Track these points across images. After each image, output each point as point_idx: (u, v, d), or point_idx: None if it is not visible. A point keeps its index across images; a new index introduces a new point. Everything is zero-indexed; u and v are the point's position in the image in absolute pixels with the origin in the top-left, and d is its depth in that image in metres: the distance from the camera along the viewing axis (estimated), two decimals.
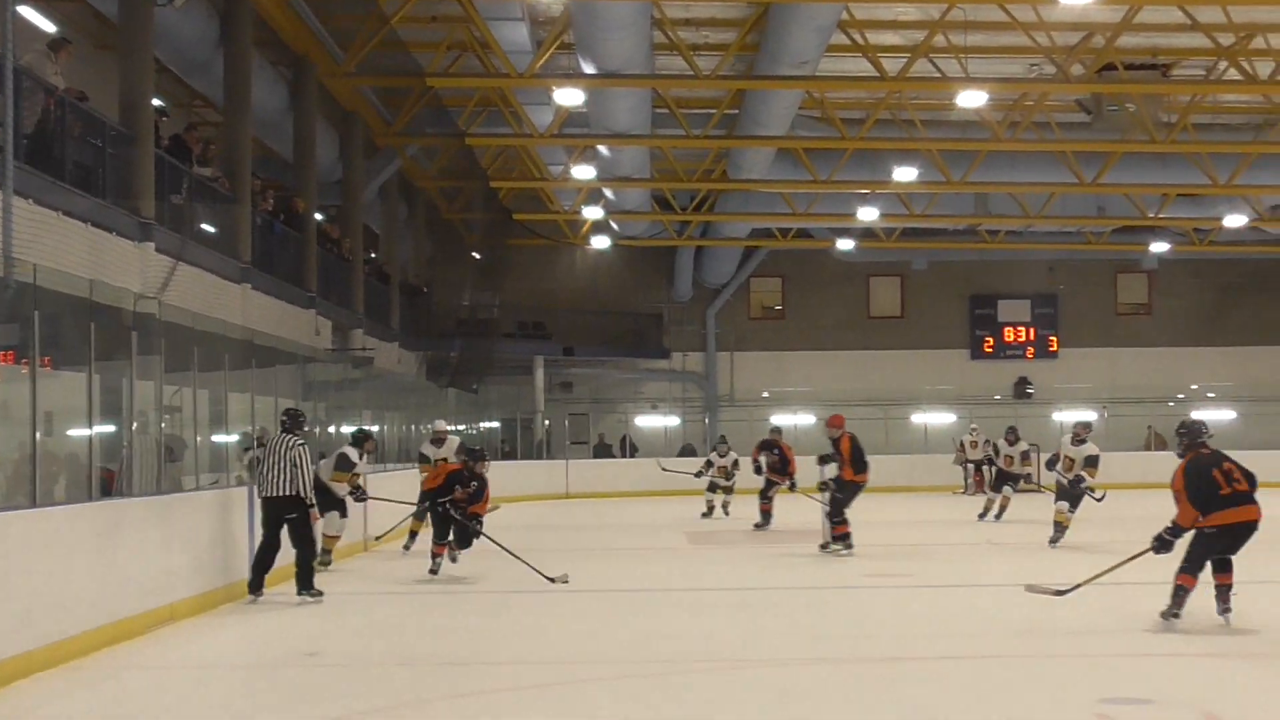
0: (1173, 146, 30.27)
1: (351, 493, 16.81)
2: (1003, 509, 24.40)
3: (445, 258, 41.12)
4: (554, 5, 23.90)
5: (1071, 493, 18.81)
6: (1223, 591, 11.26)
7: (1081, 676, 9.85)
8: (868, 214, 35.98)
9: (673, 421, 43.32)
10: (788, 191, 34.61)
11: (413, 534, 19.48)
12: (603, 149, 30.44)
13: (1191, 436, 11.55)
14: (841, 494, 18.17)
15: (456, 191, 37.62)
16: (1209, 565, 11.29)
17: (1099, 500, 19.60)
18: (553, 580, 14.58)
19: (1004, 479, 24.58)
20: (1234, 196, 35.25)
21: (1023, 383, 44.47)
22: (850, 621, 12.85)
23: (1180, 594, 11.16)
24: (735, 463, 26.33)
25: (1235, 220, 37.10)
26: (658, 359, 43.78)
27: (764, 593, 15.09)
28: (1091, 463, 18.54)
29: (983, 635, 11.82)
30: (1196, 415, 41.23)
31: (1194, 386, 44.34)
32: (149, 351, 13.27)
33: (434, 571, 15.76)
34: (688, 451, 40.01)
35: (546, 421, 40.70)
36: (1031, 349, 45.19)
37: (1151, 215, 37.43)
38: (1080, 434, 18.77)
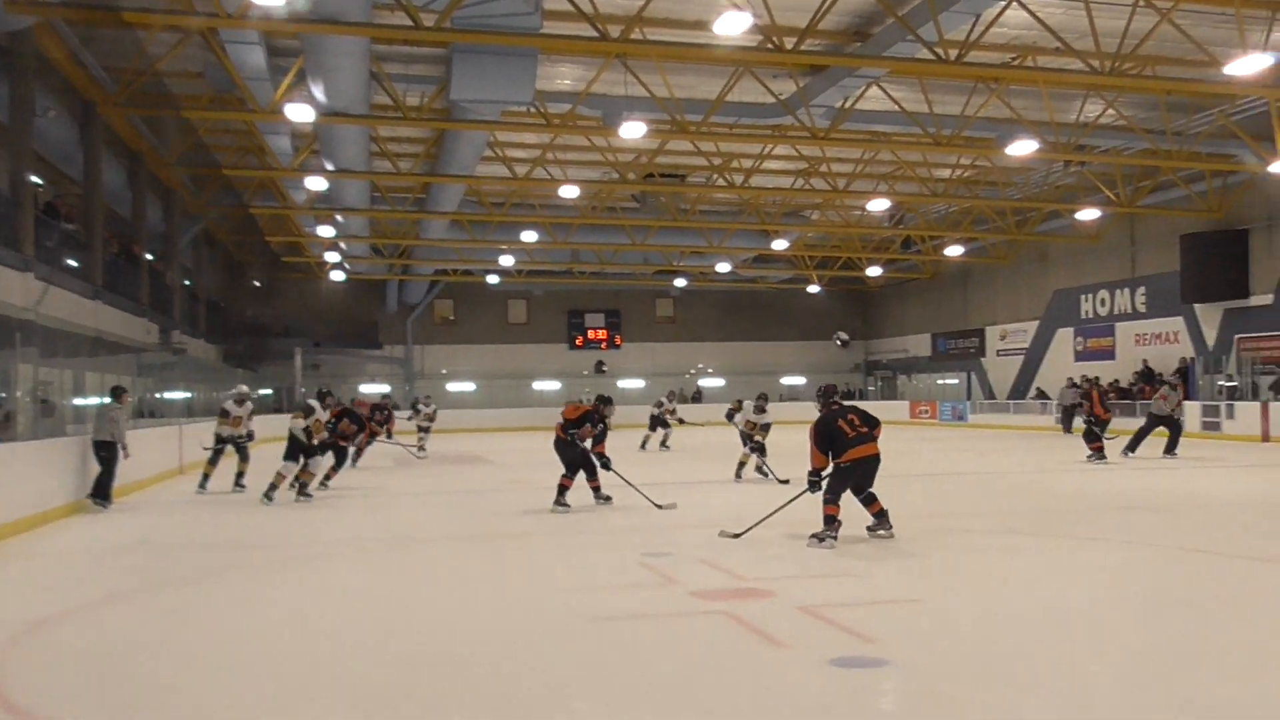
0: (687, 223, 31.33)
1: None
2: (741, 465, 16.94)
3: (236, 284, 39.83)
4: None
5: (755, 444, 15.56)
6: (880, 518, 9.49)
7: (628, 540, 9.91)
8: (507, 260, 36.13)
9: (385, 388, 42.55)
10: (456, 245, 34.44)
11: (206, 475, 15.32)
12: (339, 218, 29.74)
13: (825, 397, 9.79)
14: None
15: (243, 241, 36.34)
16: (863, 504, 9.47)
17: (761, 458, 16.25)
18: (660, 506, 12.05)
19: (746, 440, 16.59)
20: (722, 253, 36.80)
21: (600, 364, 45.26)
22: (502, 510, 12.71)
23: (830, 522, 9.13)
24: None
25: (723, 267, 38.77)
26: (375, 349, 42.86)
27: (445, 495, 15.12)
28: (765, 429, 15.57)
29: (576, 521, 11.82)
30: (703, 384, 43.27)
31: (700, 365, 46.21)
32: (29, 344, 12.62)
33: (562, 504, 12.09)
34: (396, 408, 39.50)
35: (303, 389, 39.52)
36: (605, 343, 45.86)
37: (675, 263, 38.70)
38: (761, 405, 15.80)
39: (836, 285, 44.66)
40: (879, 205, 28.93)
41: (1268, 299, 26.91)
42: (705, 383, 44.88)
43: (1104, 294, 32.87)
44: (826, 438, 9.33)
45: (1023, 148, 20.90)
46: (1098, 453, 18.30)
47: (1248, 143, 22.48)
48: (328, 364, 41.80)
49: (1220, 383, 27.49)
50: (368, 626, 6.55)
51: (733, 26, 14.45)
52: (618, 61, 18.17)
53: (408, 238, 33.18)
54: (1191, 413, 26.90)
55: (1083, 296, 33.78)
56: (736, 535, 9.67)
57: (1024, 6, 16.33)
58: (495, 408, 41.26)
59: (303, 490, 13.78)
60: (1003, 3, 16.02)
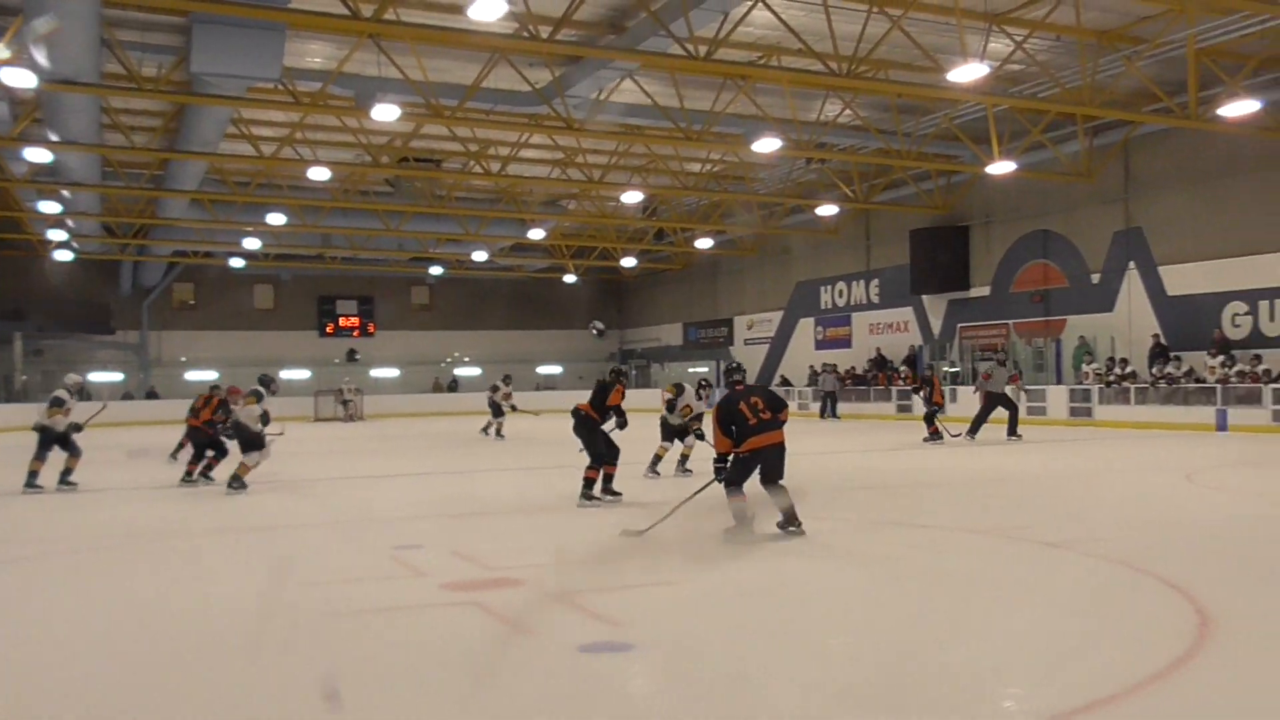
0: (443, 210, 30.86)
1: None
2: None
3: None
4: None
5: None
6: (788, 516, 8.62)
7: (380, 535, 9.81)
8: (252, 243, 34.53)
9: (118, 376, 39.91)
10: (198, 226, 32.65)
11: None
12: (65, 193, 27.64)
13: (728, 376, 9.06)
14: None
15: None
16: (769, 496, 8.59)
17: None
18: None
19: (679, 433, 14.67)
20: (479, 241, 36.51)
21: (352, 352, 44.04)
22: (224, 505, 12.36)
23: (737, 511, 8.48)
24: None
25: (480, 255, 38.46)
26: (107, 334, 40.04)
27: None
28: (699, 418, 13.84)
29: (317, 512, 11.56)
30: (459, 373, 42.88)
31: (457, 354, 45.74)
32: None
33: (587, 496, 11.03)
34: (128, 396, 37.27)
35: (24, 376, 36.65)
36: (358, 331, 44.67)
37: (432, 250, 38.13)
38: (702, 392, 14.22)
39: (592, 275, 45.09)
40: (633, 197, 29.40)
41: (985, 290, 29.04)
42: (462, 371, 44.43)
43: (841, 286, 34.63)
44: (728, 419, 8.54)
45: (767, 144, 21.68)
46: (935, 435, 19.72)
47: (968, 145, 24.14)
48: (52, 350, 38.77)
49: (945, 368, 29.46)
50: (96, 627, 6.11)
51: (488, 12, 14.30)
52: (371, 41, 17.68)
53: (143, 216, 31.25)
54: (918, 397, 28.69)
55: (823, 288, 35.46)
56: (641, 532, 8.83)
57: (768, 7, 16.93)
58: None
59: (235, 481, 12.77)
60: (749, 2, 16.54)
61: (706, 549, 8.39)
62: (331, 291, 44.17)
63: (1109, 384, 23.93)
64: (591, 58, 18.39)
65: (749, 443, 8.45)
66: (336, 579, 7.43)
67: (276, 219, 30.70)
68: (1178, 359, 23.16)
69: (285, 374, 41.86)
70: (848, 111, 23.06)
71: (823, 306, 35.51)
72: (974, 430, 19.92)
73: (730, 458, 8.55)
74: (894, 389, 30.09)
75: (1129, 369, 23.92)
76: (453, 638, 5.79)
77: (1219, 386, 21.54)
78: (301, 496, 12.71)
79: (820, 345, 35.39)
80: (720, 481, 8.58)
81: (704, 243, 36.65)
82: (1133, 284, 24.94)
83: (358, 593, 6.95)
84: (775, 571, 7.47)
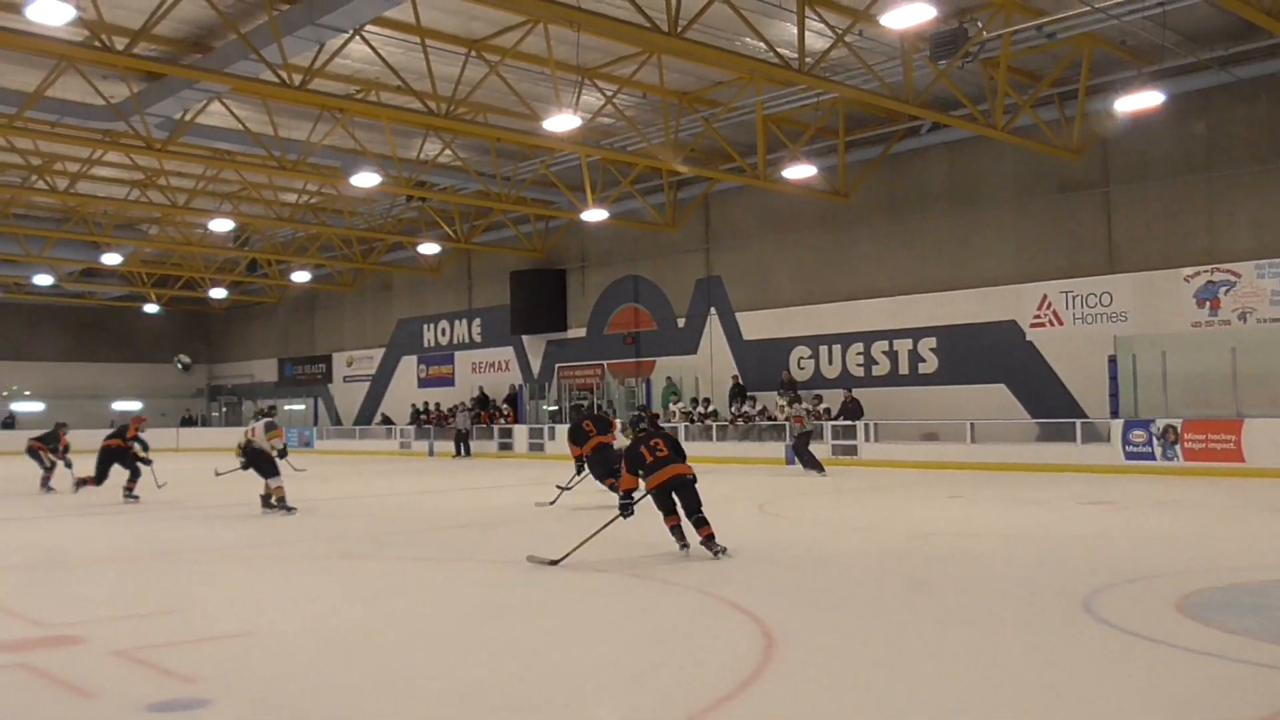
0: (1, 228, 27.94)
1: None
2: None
3: None
4: None
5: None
6: (708, 541, 9.32)
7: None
8: None
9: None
10: None
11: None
12: None
13: (634, 424, 10.39)
14: None
15: None
16: (693, 526, 9.36)
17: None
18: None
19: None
20: (43, 264, 33.31)
21: None
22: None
23: (674, 531, 9.46)
24: None
25: (44, 279, 35.03)
26: None
27: None
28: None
29: None
30: (17, 408, 38.69)
31: (15, 387, 41.30)
32: None
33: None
34: None
35: None
36: None
37: None
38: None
39: (177, 305, 42.29)
40: (222, 225, 28.01)
41: (581, 332, 30.18)
42: (20, 407, 40.00)
43: (444, 324, 34.73)
44: (633, 461, 9.56)
45: (365, 179, 21.42)
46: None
47: (564, 191, 25.07)
48: None
49: (545, 407, 30.25)
50: None
51: (52, 16, 13.11)
52: None
53: None
54: (520, 436, 29.28)
55: (425, 326, 35.39)
56: (554, 561, 9.04)
57: (366, 42, 16.77)
58: None
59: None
60: (345, 34, 16.30)
61: (297, 592, 8.08)
62: None
63: (693, 421, 25.55)
64: (175, 76, 17.35)
65: (651, 478, 9.48)
66: None
67: None
68: (753, 398, 25.15)
69: None
70: (448, 151, 23.26)
71: (425, 344, 35.42)
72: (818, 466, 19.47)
73: (640, 492, 9.61)
74: (495, 428, 30.48)
75: (711, 408, 25.68)
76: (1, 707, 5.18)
77: (786, 424, 23.55)
78: None
79: (424, 383, 35.24)
80: (626, 516, 9.54)
81: (300, 276, 35.54)
82: (714, 328, 26.87)
83: None
84: (362, 617, 7.31)
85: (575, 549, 9.21)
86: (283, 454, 14.16)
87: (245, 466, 14.02)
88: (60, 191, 24.79)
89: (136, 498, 16.24)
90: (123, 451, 16.75)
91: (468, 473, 23.37)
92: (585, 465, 14.35)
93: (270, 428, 14.01)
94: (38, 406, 39.50)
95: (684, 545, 9.47)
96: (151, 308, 40.77)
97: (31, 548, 11.35)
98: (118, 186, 27.22)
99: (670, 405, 26.68)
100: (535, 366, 31.51)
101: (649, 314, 28.47)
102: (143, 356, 43.93)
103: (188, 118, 19.77)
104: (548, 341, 31.03)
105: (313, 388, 40.17)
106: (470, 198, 25.58)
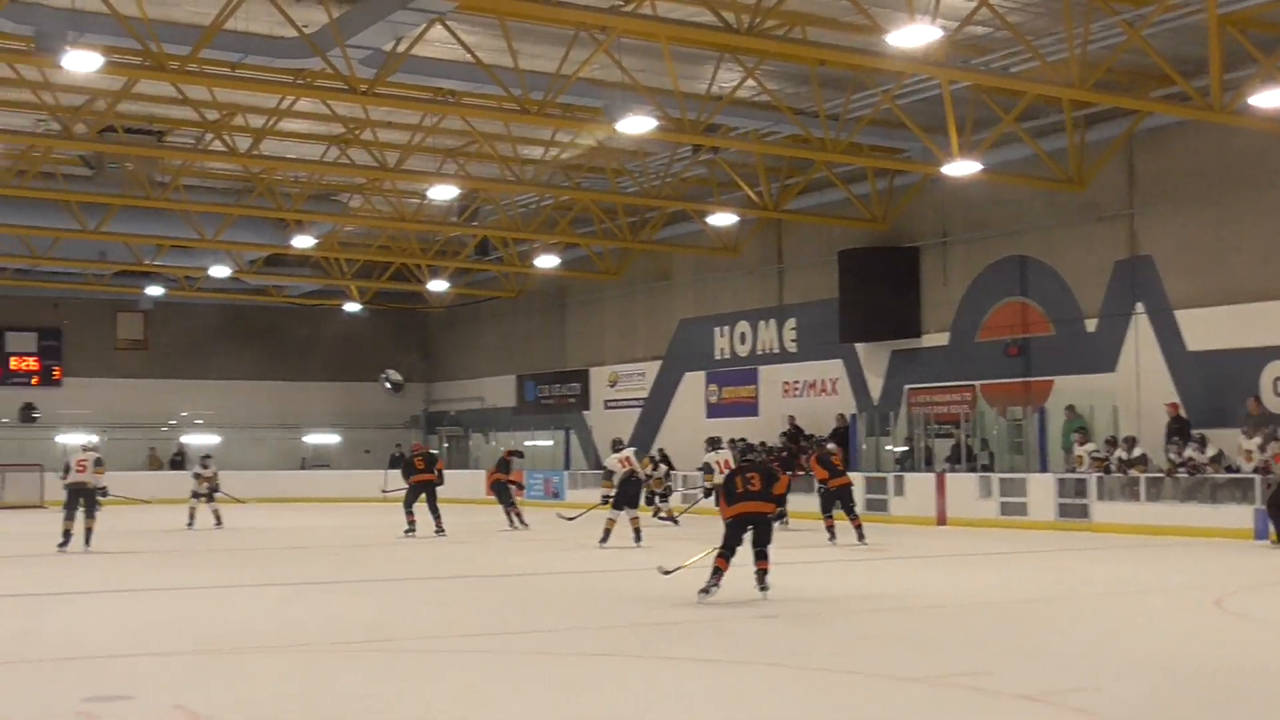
0: (166, 203, 30.20)
1: None
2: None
3: None
4: None
5: None
6: (760, 575, 13.68)
7: (72, 679, 9.51)
8: None
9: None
10: None
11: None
12: None
13: (742, 455, 17.27)
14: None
15: None
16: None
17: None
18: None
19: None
20: (219, 250, 35.89)
21: (29, 407, 42.78)
22: None
23: (715, 573, 13.31)
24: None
25: (219, 271, 37.85)
26: None
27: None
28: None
29: None
30: (186, 440, 42.06)
31: (184, 413, 44.79)
32: None
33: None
34: None
35: None
36: (37, 377, 43.58)
37: (148, 262, 37.35)
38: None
39: (385, 303, 44.71)
40: (445, 192, 29.32)
41: (942, 338, 29.72)
42: (193, 439, 43.36)
43: (744, 326, 34.97)
44: (729, 492, 13.79)
45: (637, 124, 21.88)
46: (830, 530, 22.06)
47: (917, 134, 24.77)
48: None
49: (889, 448, 29.96)
50: None
51: None
52: None
53: None
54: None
55: (717, 330, 35.80)
56: (668, 571, 14.32)
57: None
58: None
59: None
60: None
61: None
62: None
63: (1110, 471, 24.67)
64: None
65: (732, 509, 13.67)
66: None
67: None
68: (1202, 438, 24.02)
69: None
70: (750, 83, 23.44)
71: (717, 356, 35.81)
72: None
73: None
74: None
75: (1137, 451, 24.70)
76: None
77: (1257, 477, 22.41)
78: None
79: (714, 410, 35.59)
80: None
81: (546, 261, 36.68)
82: (1141, 333, 25.87)
83: None
84: None
85: (692, 562, 14.12)
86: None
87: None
88: (240, 153, 26.67)
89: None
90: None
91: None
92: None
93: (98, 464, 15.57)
94: (210, 439, 42.70)
95: (714, 588, 13.24)
96: (352, 306, 43.22)
97: (211, 627, 12.21)
98: (310, 145, 29.03)
99: (1074, 447, 25.81)
100: (875, 389, 31.28)
101: (1042, 313, 27.76)
102: (339, 372, 46.70)
103: (400, 48, 20.83)
104: (892, 352, 30.76)
105: (563, 415, 41.34)
106: (781, 145, 25.62)
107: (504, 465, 27.40)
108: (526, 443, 40.88)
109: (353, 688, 9.10)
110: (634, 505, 21.69)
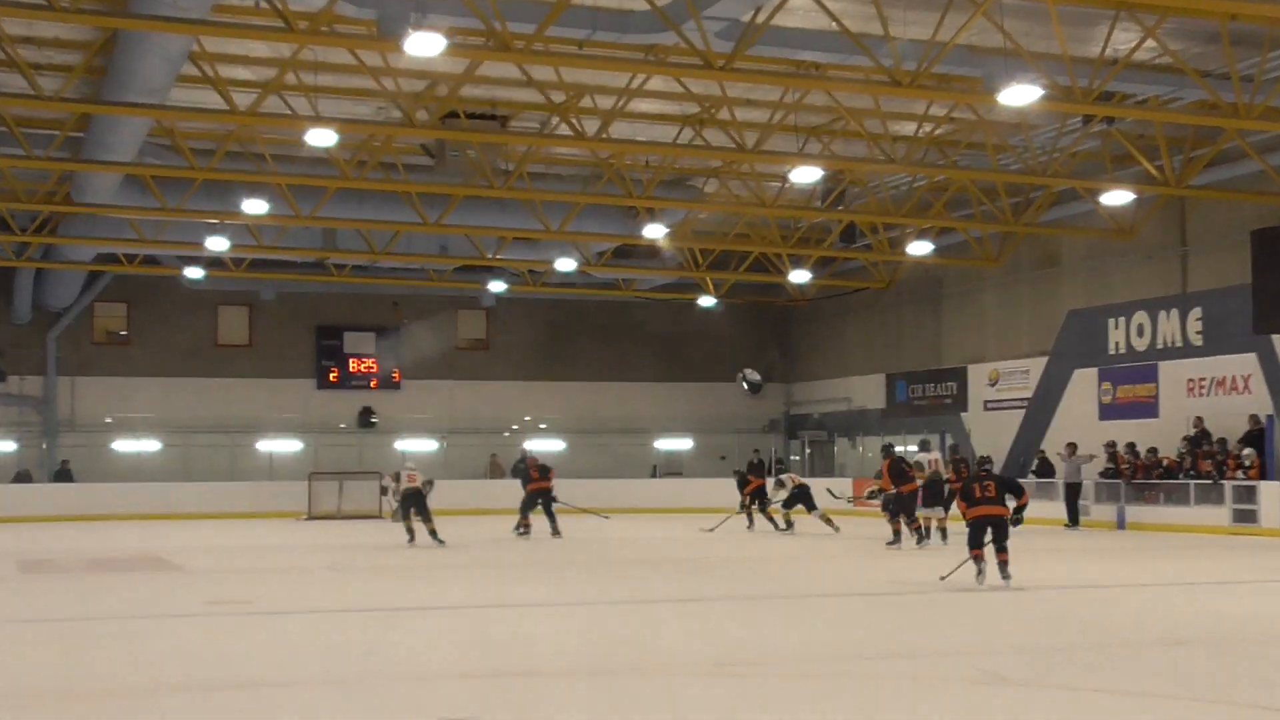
0: (510, 193, 31.20)
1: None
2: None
3: None
4: None
5: None
6: (1002, 566, 16.75)
7: (410, 701, 9.85)
8: (216, 243, 35.33)
9: (7, 446, 41.20)
10: (135, 217, 33.58)
11: None
12: None
13: (980, 465, 20.04)
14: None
15: None
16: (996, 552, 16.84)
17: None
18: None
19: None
20: (564, 242, 36.90)
21: (367, 412, 44.77)
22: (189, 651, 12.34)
23: (976, 561, 16.91)
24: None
25: (565, 264, 38.84)
26: None
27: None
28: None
29: (310, 661, 11.76)
30: (528, 445, 43.43)
31: (527, 418, 46.17)
32: None
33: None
34: (23, 477, 38.66)
35: None
36: (376, 380, 45.52)
37: (490, 256, 38.63)
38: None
39: (742, 296, 45.16)
40: (808, 174, 29.44)
41: None
42: (536, 445, 44.66)
43: (1141, 317, 34.07)
44: (967, 496, 17.24)
45: (1022, 94, 21.57)
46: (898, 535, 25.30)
47: None
48: None
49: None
50: None
51: None
52: None
53: (51, 201, 32.35)
54: (1270, 497, 28.11)
55: (1111, 322, 34.95)
56: (944, 577, 17.56)
57: None
58: (193, 480, 40.49)
59: None
60: None
61: None
62: (337, 319, 45.29)
63: None
64: None
65: (972, 511, 17.04)
66: None
67: (255, 207, 31.45)
68: None
69: (264, 445, 42.78)
70: (1149, 43, 22.85)
71: (1111, 351, 35.01)
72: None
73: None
74: (1228, 484, 29.36)
75: None
76: None
77: None
78: (283, 637, 13.04)
79: (1107, 412, 34.83)
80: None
81: (919, 248, 36.43)
82: None
83: None
84: None
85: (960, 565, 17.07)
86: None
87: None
88: (588, 138, 27.37)
89: None
90: None
91: (1140, 554, 22.85)
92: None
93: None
94: (555, 445, 43.92)
95: (981, 574, 16.73)
96: (707, 300, 43.75)
97: (545, 646, 12.65)
98: (663, 126, 29.60)
99: None
100: None
101: None
102: (691, 372, 47.40)
103: (760, 18, 21.08)
104: None
105: (937, 417, 41.00)
106: (1186, 113, 24.87)
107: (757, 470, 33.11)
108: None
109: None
110: (939, 506, 25.29)
